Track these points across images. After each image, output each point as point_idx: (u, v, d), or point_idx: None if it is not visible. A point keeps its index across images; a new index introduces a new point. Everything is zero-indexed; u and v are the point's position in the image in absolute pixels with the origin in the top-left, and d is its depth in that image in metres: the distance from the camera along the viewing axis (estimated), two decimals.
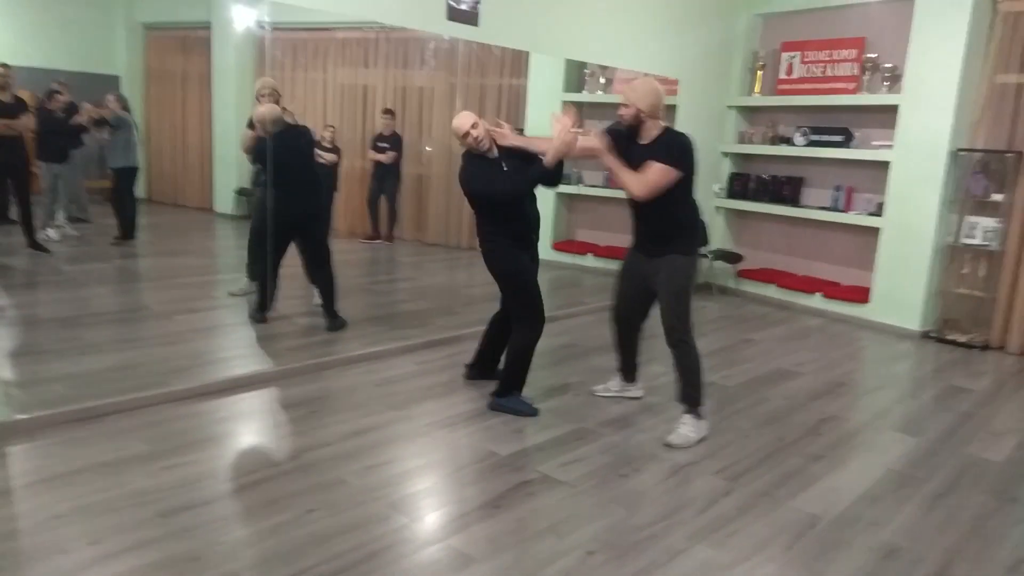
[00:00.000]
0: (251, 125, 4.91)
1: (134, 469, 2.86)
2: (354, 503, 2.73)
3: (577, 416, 3.72)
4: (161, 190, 8.56)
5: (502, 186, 3.47)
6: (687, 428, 3.45)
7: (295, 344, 4.59)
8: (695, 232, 3.55)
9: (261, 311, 4.79)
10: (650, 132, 3.33)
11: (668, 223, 3.42)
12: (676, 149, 3.29)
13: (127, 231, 6.89)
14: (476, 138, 3.45)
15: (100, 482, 2.75)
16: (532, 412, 3.70)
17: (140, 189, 7.46)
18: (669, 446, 3.39)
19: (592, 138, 3.44)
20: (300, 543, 2.45)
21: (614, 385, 4.02)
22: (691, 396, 3.48)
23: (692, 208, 3.47)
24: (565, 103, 7.37)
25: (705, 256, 3.68)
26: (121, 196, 6.87)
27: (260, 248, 5.17)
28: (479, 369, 4.07)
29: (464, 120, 3.47)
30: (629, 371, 3.97)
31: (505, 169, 3.52)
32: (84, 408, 3.30)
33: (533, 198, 3.68)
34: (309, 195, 4.76)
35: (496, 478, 3.01)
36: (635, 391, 4.01)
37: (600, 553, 2.51)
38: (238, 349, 4.44)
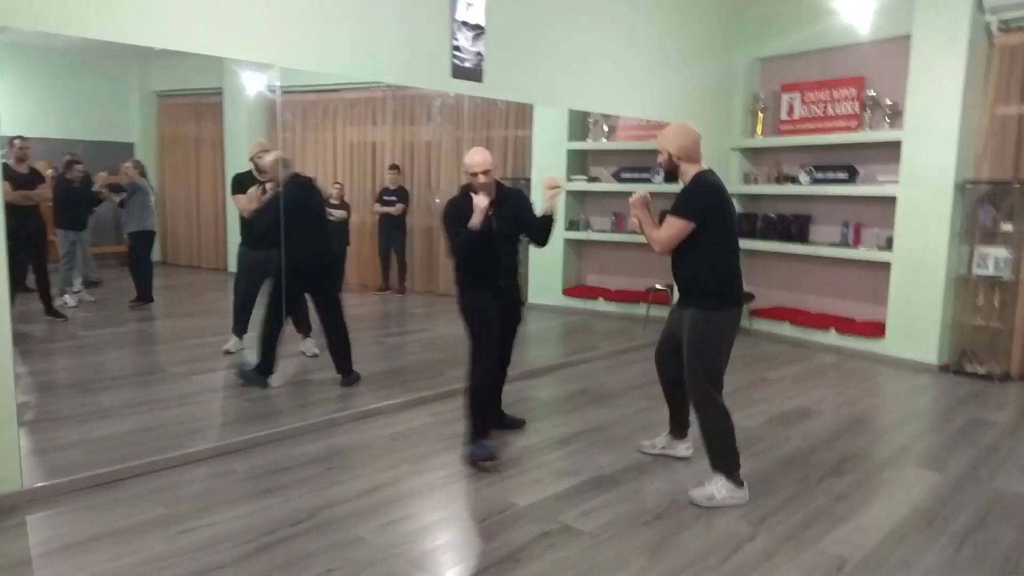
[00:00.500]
0: (238, 189, 4.97)
1: (152, 534, 2.85)
2: (373, 561, 2.70)
3: (595, 463, 3.68)
4: (176, 252, 8.69)
5: (454, 241, 3.61)
6: (714, 487, 3.21)
7: (309, 400, 4.60)
8: (722, 284, 3.22)
9: (264, 374, 4.63)
10: (686, 176, 3.26)
11: (688, 273, 3.26)
12: (686, 197, 3.21)
13: (144, 294, 6.98)
14: (480, 184, 3.58)
15: (117, 548, 2.74)
16: (489, 458, 3.58)
17: (156, 252, 7.57)
18: (691, 502, 3.21)
19: (636, 205, 3.34)
20: None
21: (660, 441, 3.80)
22: (718, 461, 3.24)
23: (717, 258, 3.21)
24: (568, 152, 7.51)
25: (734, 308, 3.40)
26: (138, 260, 6.97)
27: (248, 305, 5.18)
28: (488, 418, 4.04)
29: (476, 160, 3.57)
30: (676, 424, 3.73)
31: (489, 213, 3.56)
32: (102, 473, 3.31)
33: (512, 247, 3.75)
34: (322, 247, 4.76)
35: (516, 530, 2.98)
36: (683, 450, 3.75)
37: None
38: (253, 408, 4.44)
